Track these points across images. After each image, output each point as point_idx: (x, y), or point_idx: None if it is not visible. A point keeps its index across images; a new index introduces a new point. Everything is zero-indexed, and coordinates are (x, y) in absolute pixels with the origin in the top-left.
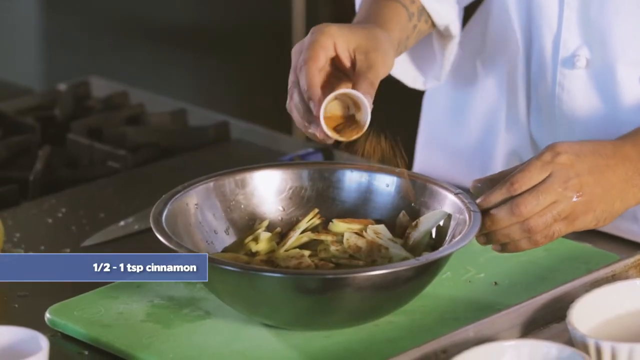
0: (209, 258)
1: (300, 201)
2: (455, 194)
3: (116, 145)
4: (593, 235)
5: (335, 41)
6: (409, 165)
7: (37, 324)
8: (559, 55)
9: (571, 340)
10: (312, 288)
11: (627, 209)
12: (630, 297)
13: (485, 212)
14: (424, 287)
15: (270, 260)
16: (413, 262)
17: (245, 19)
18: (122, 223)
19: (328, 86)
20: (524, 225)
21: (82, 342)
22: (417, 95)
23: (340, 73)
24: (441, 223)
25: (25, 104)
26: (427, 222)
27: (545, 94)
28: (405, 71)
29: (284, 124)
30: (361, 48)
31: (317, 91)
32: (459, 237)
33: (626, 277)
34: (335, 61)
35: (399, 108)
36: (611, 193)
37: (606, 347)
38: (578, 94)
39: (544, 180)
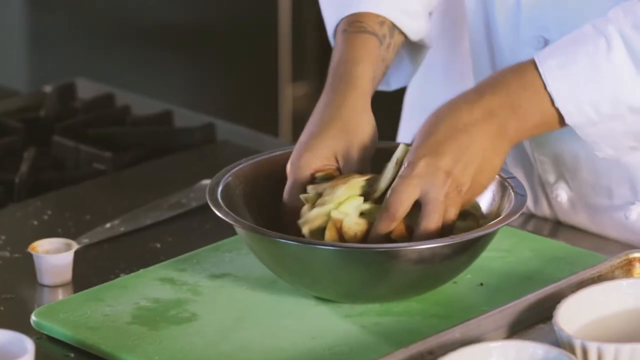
0: (255, 228)
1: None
2: (507, 178)
3: (102, 147)
4: (579, 235)
5: (311, 166)
6: None
7: (23, 327)
8: (519, 43)
9: (557, 341)
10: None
11: (504, 159)
12: (616, 298)
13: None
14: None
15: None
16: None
17: (231, 20)
18: (108, 225)
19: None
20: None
21: (68, 344)
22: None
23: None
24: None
25: (11, 106)
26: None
27: None
28: None
29: (270, 125)
30: (340, 153)
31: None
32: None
33: (612, 278)
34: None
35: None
36: (487, 157)
37: (592, 347)
38: None
39: (425, 202)
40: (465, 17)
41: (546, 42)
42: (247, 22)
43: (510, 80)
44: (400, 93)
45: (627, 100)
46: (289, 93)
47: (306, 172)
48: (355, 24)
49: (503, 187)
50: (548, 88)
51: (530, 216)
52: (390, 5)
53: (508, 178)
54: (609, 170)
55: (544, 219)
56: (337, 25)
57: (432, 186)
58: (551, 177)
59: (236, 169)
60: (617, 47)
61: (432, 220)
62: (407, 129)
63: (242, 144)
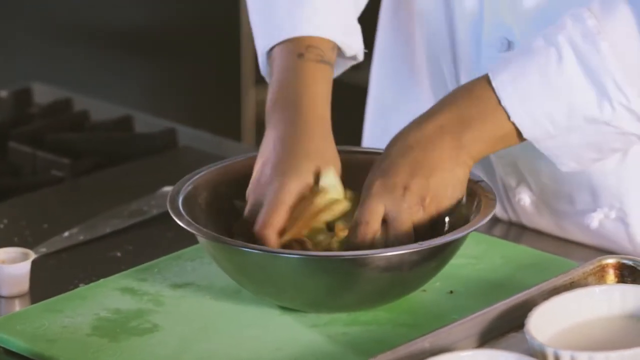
0: (217, 237)
1: None
2: (476, 182)
3: (60, 154)
4: (551, 241)
5: (293, 197)
6: None
7: None
8: (482, 46)
9: (529, 349)
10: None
11: (468, 171)
12: (589, 305)
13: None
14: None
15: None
16: (416, 246)
17: (192, 22)
18: (66, 234)
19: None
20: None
21: (26, 357)
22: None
23: None
24: None
25: None
26: None
27: None
28: None
29: (233, 130)
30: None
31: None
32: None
33: (585, 285)
34: None
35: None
36: (447, 168)
37: (565, 356)
38: None
39: (390, 220)
40: (418, 22)
41: (510, 45)
42: (208, 23)
43: (461, 96)
44: (363, 97)
45: (581, 111)
46: (252, 96)
47: (286, 208)
48: (312, 50)
49: (472, 192)
50: (502, 103)
51: (496, 221)
52: (336, 27)
53: (477, 182)
54: (569, 176)
55: (510, 223)
56: (281, 43)
57: (392, 201)
58: (512, 181)
59: (198, 175)
60: (567, 57)
61: (399, 238)
62: (371, 133)
63: (205, 149)
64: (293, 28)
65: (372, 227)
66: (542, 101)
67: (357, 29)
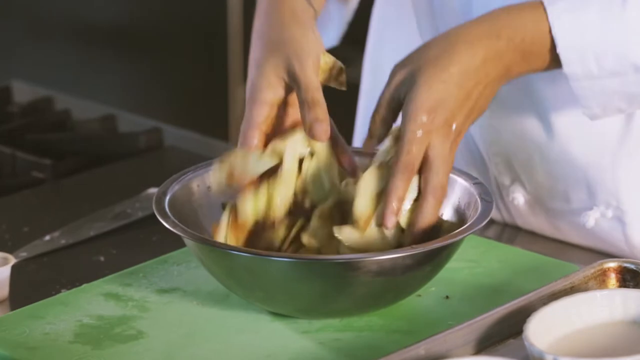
0: (206, 240)
1: None
2: (473, 184)
3: (40, 154)
4: (546, 243)
5: (266, 99)
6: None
7: None
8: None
9: (528, 356)
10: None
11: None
12: (589, 310)
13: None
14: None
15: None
16: (408, 250)
17: (178, 18)
18: (47, 237)
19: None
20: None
21: None
22: None
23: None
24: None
25: None
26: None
27: None
28: None
29: (220, 129)
30: (287, 71)
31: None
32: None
33: (586, 289)
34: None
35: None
36: (483, 99)
37: None
38: None
39: (432, 157)
40: (408, 18)
41: None
42: (194, 21)
43: (524, 24)
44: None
45: (633, 58)
46: (239, 95)
47: (264, 106)
48: None
49: (468, 193)
50: (552, 31)
51: (490, 222)
52: None
53: (474, 183)
54: (565, 173)
55: (504, 224)
56: None
57: (441, 139)
58: (506, 180)
59: (185, 176)
60: (633, 0)
61: (442, 176)
62: (363, 132)
63: (191, 149)
64: None
65: (417, 161)
66: (595, 39)
67: None
